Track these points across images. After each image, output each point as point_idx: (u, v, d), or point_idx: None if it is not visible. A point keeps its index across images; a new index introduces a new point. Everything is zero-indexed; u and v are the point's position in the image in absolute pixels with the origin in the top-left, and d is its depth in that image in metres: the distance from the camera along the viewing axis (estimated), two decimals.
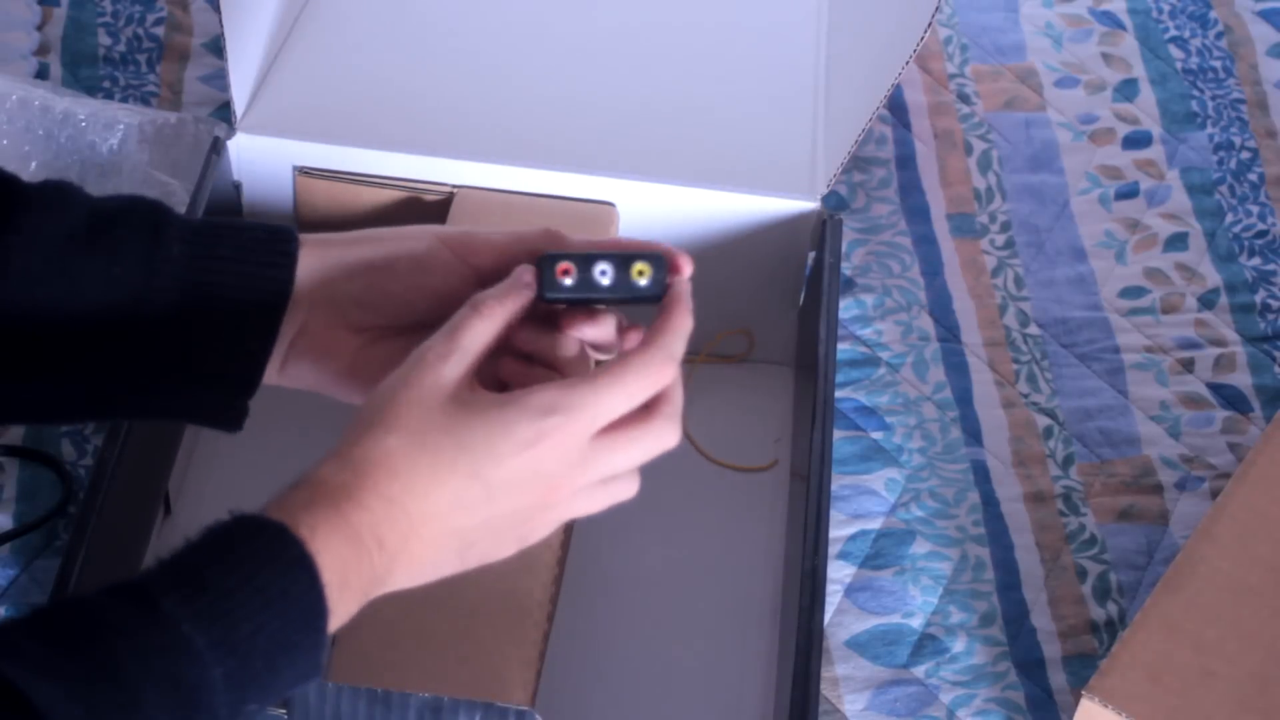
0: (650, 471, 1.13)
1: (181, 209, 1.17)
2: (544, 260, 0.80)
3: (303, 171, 1.12)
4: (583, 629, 1.05)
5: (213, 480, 1.10)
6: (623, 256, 0.79)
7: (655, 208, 1.12)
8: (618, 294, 0.79)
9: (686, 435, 1.14)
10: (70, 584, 0.92)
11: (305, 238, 0.80)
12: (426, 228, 0.81)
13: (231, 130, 1.12)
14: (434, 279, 0.81)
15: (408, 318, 0.81)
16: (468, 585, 0.94)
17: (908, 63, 1.03)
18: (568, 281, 0.79)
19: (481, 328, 0.75)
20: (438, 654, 0.92)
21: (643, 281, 0.80)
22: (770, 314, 1.18)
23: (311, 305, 0.80)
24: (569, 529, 1.01)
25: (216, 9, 1.06)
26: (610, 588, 1.07)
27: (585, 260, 0.79)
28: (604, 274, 0.79)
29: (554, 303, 0.79)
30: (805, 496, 0.99)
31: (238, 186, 1.13)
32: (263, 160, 1.12)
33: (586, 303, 0.80)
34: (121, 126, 1.20)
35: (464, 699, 0.84)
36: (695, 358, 1.19)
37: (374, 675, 0.90)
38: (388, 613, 0.93)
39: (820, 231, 1.11)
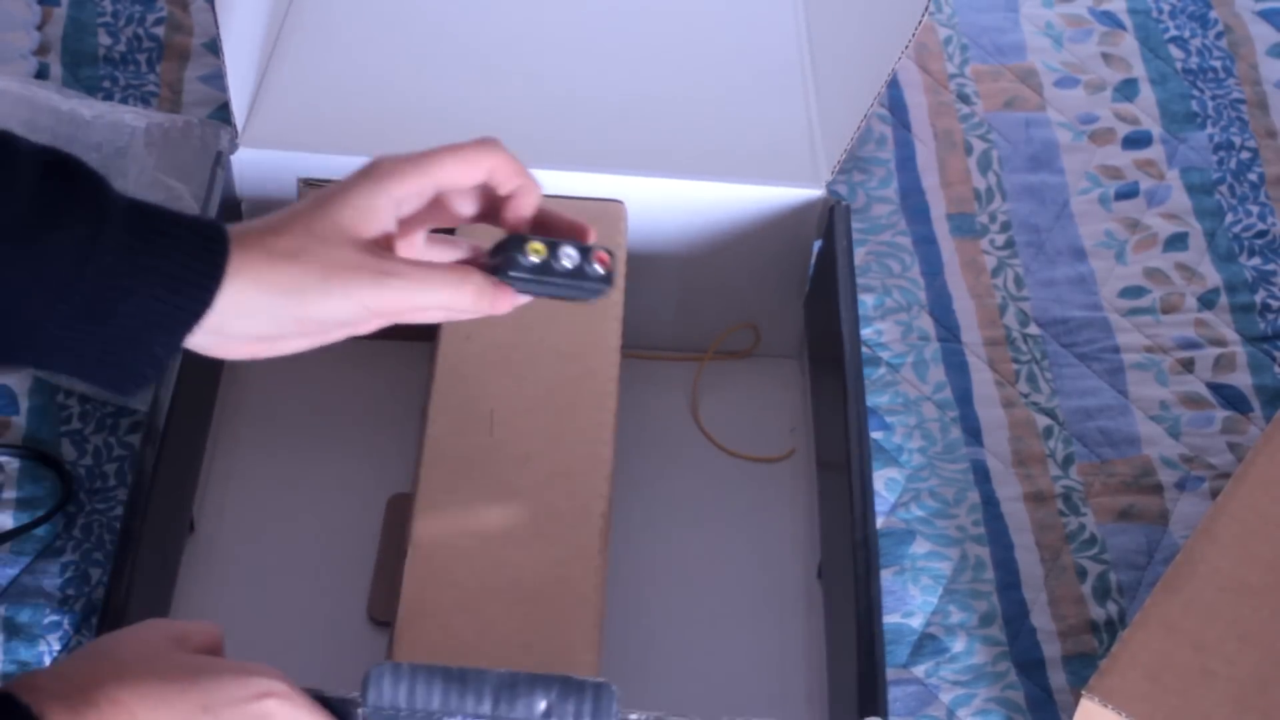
0: (673, 467, 1.15)
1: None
2: (513, 239, 0.84)
3: (307, 183, 1.12)
4: (621, 619, 1.05)
5: (230, 497, 1.10)
6: (586, 246, 0.85)
7: (663, 202, 1.12)
8: (572, 279, 0.84)
9: (703, 432, 1.15)
10: (119, 609, 0.93)
11: (243, 242, 0.80)
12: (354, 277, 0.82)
13: (234, 144, 1.12)
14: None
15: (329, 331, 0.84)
16: (524, 574, 0.95)
17: (907, 47, 1.04)
18: (534, 260, 0.83)
19: None
20: (500, 641, 0.92)
21: (600, 270, 0.84)
22: (775, 307, 1.18)
23: (231, 318, 0.81)
24: (607, 510, 1.01)
25: (214, 18, 1.06)
26: (644, 578, 1.08)
27: (554, 244, 0.84)
28: (569, 257, 0.84)
29: (510, 281, 0.83)
30: (847, 475, 1.00)
31: (241, 201, 1.13)
32: (266, 172, 1.13)
33: (536, 285, 0.84)
34: (128, 129, 1.20)
35: (540, 674, 0.85)
36: (702, 356, 1.19)
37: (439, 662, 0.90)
38: (447, 600, 0.93)
39: (829, 218, 1.11)
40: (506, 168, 0.85)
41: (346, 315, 0.82)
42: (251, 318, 0.81)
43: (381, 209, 0.83)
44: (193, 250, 0.79)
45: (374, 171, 0.84)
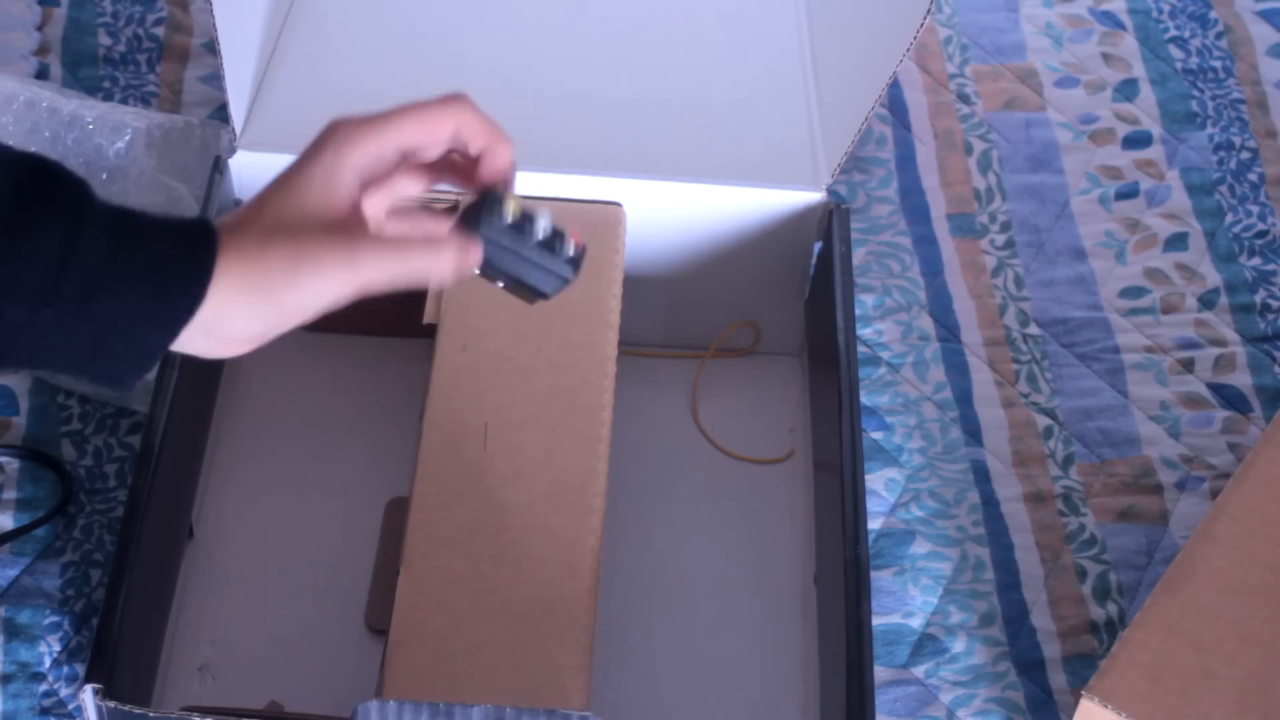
0: (671, 469, 1.15)
1: (189, 215, 1.17)
2: (490, 197, 0.81)
3: None
4: (618, 627, 1.05)
5: (230, 502, 1.10)
6: (561, 227, 0.82)
7: (662, 205, 1.12)
8: (541, 253, 0.81)
9: (703, 433, 1.15)
10: (116, 617, 0.93)
11: (223, 241, 0.79)
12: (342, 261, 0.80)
13: (232, 148, 1.12)
14: None
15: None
16: (514, 595, 0.95)
17: (908, 50, 1.03)
18: (510, 219, 0.80)
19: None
20: (491, 665, 0.92)
21: (570, 253, 0.81)
22: (776, 306, 1.18)
23: (220, 320, 0.79)
24: (599, 528, 1.01)
25: (213, 22, 1.06)
26: (641, 584, 1.08)
27: (531, 210, 0.81)
28: (543, 229, 0.81)
29: (482, 237, 0.80)
30: (839, 486, 1.00)
31: (240, 203, 1.13)
32: (265, 175, 1.12)
33: (506, 251, 0.81)
34: (129, 130, 1.20)
35: (526, 708, 0.84)
36: (703, 353, 1.19)
37: (428, 689, 0.90)
38: (439, 624, 0.93)
39: (828, 221, 1.11)
40: (473, 125, 0.83)
41: (323, 300, 0.80)
42: (236, 317, 0.79)
43: (343, 184, 0.80)
44: (176, 252, 0.78)
45: (332, 139, 0.81)
